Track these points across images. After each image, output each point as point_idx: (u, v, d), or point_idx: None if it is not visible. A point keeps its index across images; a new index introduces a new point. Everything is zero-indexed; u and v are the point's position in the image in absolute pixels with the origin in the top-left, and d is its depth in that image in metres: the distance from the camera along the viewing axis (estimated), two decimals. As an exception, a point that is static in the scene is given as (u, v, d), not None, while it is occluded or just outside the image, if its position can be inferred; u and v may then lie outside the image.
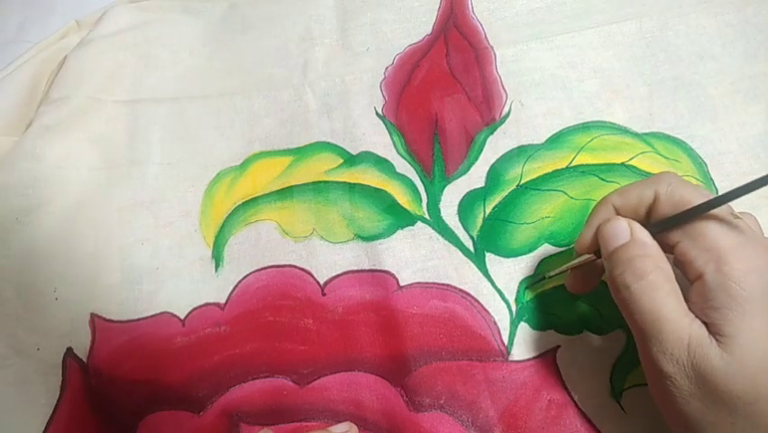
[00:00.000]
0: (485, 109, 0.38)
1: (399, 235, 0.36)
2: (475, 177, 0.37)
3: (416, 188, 0.37)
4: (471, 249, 0.35)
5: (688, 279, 0.25)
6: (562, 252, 0.34)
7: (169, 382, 0.33)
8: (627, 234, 0.26)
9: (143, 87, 0.41)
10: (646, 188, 0.27)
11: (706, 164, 0.36)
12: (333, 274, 0.35)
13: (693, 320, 0.24)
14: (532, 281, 0.34)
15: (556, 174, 0.36)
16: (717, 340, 0.23)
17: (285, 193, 0.37)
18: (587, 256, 0.29)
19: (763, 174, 0.23)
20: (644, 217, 0.27)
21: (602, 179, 0.36)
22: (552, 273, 0.32)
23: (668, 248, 0.26)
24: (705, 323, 0.24)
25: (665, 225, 0.26)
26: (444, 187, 0.37)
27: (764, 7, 0.39)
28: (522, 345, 0.33)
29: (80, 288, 0.35)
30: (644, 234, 0.26)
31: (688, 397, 0.24)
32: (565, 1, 0.41)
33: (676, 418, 0.25)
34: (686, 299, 0.24)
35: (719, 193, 0.34)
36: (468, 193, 0.36)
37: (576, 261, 0.30)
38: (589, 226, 0.28)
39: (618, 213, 0.28)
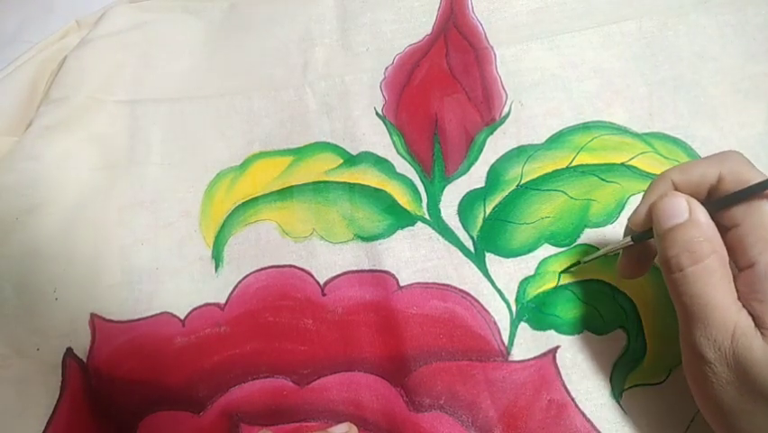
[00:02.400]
0: (485, 109, 0.38)
1: (399, 236, 0.36)
2: (475, 177, 0.37)
3: (416, 189, 0.37)
4: (471, 249, 0.35)
5: (737, 265, 0.25)
6: (562, 252, 0.34)
7: (168, 382, 0.33)
8: (686, 212, 0.25)
9: (143, 87, 0.41)
10: (710, 167, 0.25)
11: (706, 164, 0.36)
12: (333, 274, 0.35)
13: (741, 309, 0.24)
14: (567, 268, 0.34)
15: (556, 174, 0.36)
16: (761, 332, 0.23)
17: (285, 193, 0.37)
18: (625, 241, 0.29)
19: None
20: (704, 197, 0.26)
21: (602, 179, 0.36)
22: (587, 259, 0.32)
23: (723, 230, 0.25)
24: (750, 314, 0.23)
25: (725, 203, 0.25)
26: (444, 187, 0.37)
27: (764, 7, 0.39)
28: (522, 345, 0.33)
29: (80, 288, 0.35)
30: (702, 214, 0.25)
31: (725, 384, 0.24)
32: (565, 1, 0.41)
33: (709, 403, 0.25)
34: None
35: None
36: (468, 193, 0.36)
37: (613, 246, 0.30)
38: (645, 201, 0.27)
39: (677, 189, 0.26)
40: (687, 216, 0.25)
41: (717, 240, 0.25)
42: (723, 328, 0.23)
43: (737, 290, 0.24)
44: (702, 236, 0.24)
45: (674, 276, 0.25)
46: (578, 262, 0.33)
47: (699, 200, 0.25)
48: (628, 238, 0.29)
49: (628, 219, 0.29)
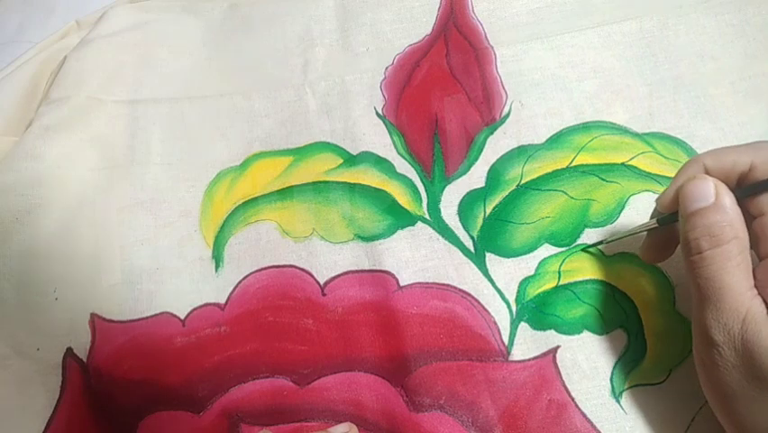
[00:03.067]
0: (485, 109, 0.38)
1: (399, 235, 0.36)
2: (475, 177, 0.37)
3: (416, 189, 0.37)
4: (472, 249, 0.35)
5: (758, 254, 0.25)
6: (562, 251, 0.34)
7: (168, 382, 0.33)
8: (712, 196, 0.25)
9: (143, 87, 0.41)
10: (743, 155, 0.26)
11: (706, 164, 0.36)
12: (334, 274, 0.35)
13: (755, 296, 0.24)
14: (591, 245, 0.34)
15: (556, 174, 0.36)
16: None
17: (285, 193, 0.37)
18: (650, 223, 0.29)
19: None
20: (734, 185, 0.26)
21: (602, 179, 0.36)
22: (612, 238, 0.33)
23: (750, 218, 0.25)
24: (764, 302, 0.24)
25: (753, 190, 0.25)
26: (444, 187, 0.37)
27: (764, 7, 0.39)
28: (522, 345, 0.33)
29: (80, 288, 0.35)
30: (728, 199, 0.25)
31: (731, 368, 0.24)
32: (565, 1, 0.41)
33: (714, 386, 0.25)
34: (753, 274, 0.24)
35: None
36: (468, 193, 0.36)
37: (638, 227, 0.30)
38: (675, 182, 0.27)
39: (708, 174, 0.26)
40: (713, 200, 0.25)
41: (740, 226, 0.25)
42: (734, 313, 0.24)
43: (756, 279, 0.24)
44: (725, 221, 0.24)
45: (693, 258, 0.25)
46: (601, 242, 0.34)
47: (728, 186, 0.26)
48: (653, 221, 0.29)
49: (656, 200, 0.29)
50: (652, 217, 0.30)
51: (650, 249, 0.30)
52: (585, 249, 0.34)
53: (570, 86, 0.38)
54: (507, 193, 0.36)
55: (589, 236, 0.35)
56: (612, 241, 0.33)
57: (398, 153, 0.38)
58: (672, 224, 0.29)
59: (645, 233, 0.31)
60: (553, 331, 0.33)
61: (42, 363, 0.34)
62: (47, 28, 0.44)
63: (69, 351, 0.34)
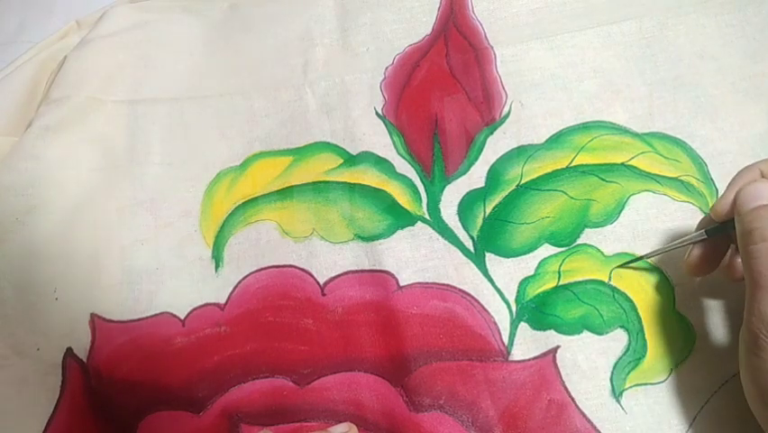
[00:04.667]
0: (485, 109, 0.38)
1: (399, 235, 0.36)
2: (475, 177, 0.37)
3: (416, 189, 0.37)
4: (471, 249, 0.35)
5: None
6: (562, 252, 0.34)
7: (168, 382, 0.33)
8: None
9: (143, 87, 0.41)
10: None
11: (706, 164, 0.36)
12: (334, 274, 0.35)
13: None
14: (625, 263, 0.33)
15: (556, 174, 0.36)
16: None
17: (285, 193, 0.37)
18: (697, 234, 0.29)
19: None
20: None
21: (602, 179, 0.36)
22: (649, 254, 0.33)
23: None
24: None
25: None
26: (444, 187, 0.37)
27: (764, 7, 0.39)
28: (522, 345, 0.33)
29: (80, 288, 0.35)
30: None
31: None
32: (565, 1, 0.41)
33: (756, 374, 0.25)
34: None
35: (720, 194, 0.35)
36: (468, 193, 0.36)
37: (684, 239, 0.30)
38: (732, 188, 0.28)
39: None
40: None
41: None
42: None
43: None
44: None
45: (755, 246, 0.25)
46: (637, 258, 0.33)
47: None
48: (701, 232, 0.29)
49: (710, 210, 0.29)
50: (697, 229, 0.30)
51: (696, 262, 0.30)
52: (618, 267, 0.33)
53: (570, 86, 0.38)
54: (506, 193, 0.36)
55: (589, 236, 0.35)
56: (651, 256, 0.33)
57: (398, 153, 0.38)
58: (719, 235, 0.29)
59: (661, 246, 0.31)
60: (552, 331, 0.33)
61: (42, 363, 0.34)
62: (47, 28, 0.44)
63: (69, 351, 0.34)
